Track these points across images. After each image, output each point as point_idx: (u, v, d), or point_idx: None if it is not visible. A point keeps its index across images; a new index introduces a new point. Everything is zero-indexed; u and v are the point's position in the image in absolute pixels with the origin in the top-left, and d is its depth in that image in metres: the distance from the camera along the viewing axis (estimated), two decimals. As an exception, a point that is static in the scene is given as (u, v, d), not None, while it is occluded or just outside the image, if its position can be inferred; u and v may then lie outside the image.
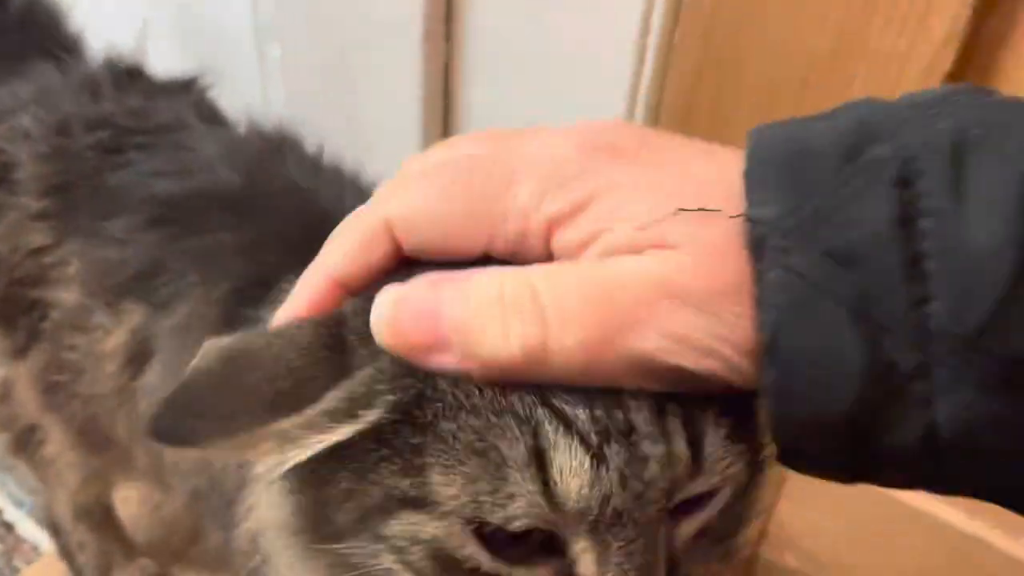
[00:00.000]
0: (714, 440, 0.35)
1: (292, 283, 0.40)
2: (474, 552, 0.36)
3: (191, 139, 0.70)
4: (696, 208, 0.33)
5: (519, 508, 0.34)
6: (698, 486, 0.36)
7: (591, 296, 0.32)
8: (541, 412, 0.34)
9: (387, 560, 0.38)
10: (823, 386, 0.31)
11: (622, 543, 0.35)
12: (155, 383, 0.65)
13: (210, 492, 0.65)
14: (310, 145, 0.72)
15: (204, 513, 0.69)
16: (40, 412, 0.80)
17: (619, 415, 0.34)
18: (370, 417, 0.35)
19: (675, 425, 0.35)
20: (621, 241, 0.33)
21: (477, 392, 0.35)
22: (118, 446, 0.75)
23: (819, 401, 0.31)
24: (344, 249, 0.38)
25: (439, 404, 0.35)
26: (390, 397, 0.35)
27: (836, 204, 0.31)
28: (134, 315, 0.66)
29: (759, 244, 0.31)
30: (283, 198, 0.66)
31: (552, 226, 0.34)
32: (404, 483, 0.36)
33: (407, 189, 0.37)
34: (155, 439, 0.35)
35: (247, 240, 0.63)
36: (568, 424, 0.34)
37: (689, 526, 0.38)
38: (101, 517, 0.97)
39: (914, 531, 0.85)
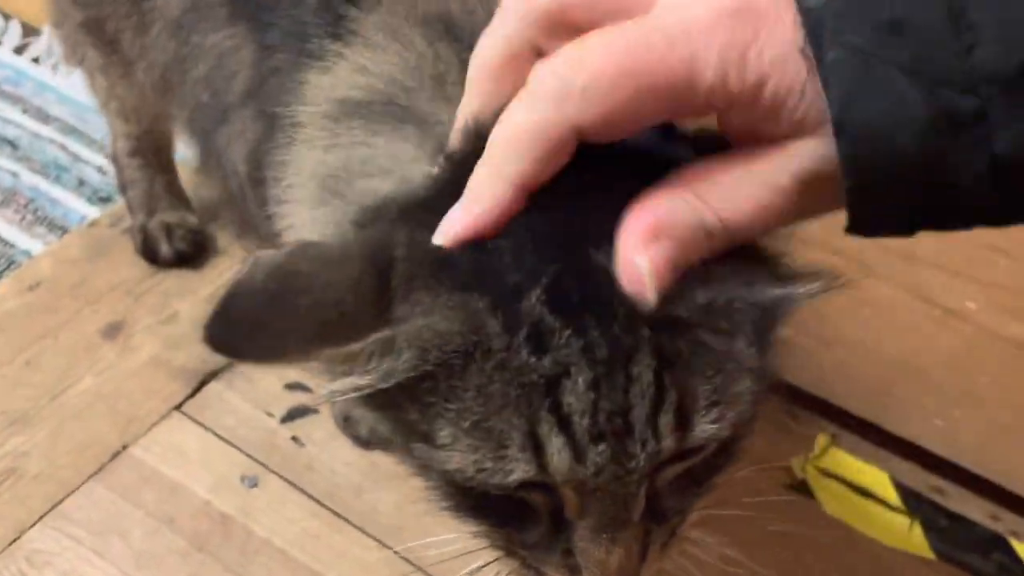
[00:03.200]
0: (704, 424, 0.40)
1: None
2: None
3: None
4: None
5: (516, 477, 0.41)
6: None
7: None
8: (542, 408, 0.39)
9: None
10: (893, 145, 0.35)
11: (604, 495, 0.41)
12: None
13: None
14: None
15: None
16: (74, 25, 0.83)
17: (618, 417, 0.39)
18: (398, 367, 0.40)
19: (667, 421, 0.40)
20: (784, 131, 0.37)
21: (486, 377, 0.39)
22: (130, 63, 0.77)
23: (890, 158, 0.35)
24: (533, 157, 0.38)
25: (452, 378, 0.40)
26: (415, 359, 0.40)
27: None
28: None
29: (817, 31, 0.35)
30: None
31: (732, 103, 0.37)
32: (421, 424, 0.42)
33: (588, 91, 0.37)
34: (209, 347, 0.38)
35: None
36: (564, 420, 0.39)
37: (672, 472, 0.43)
38: (155, 157, 0.98)
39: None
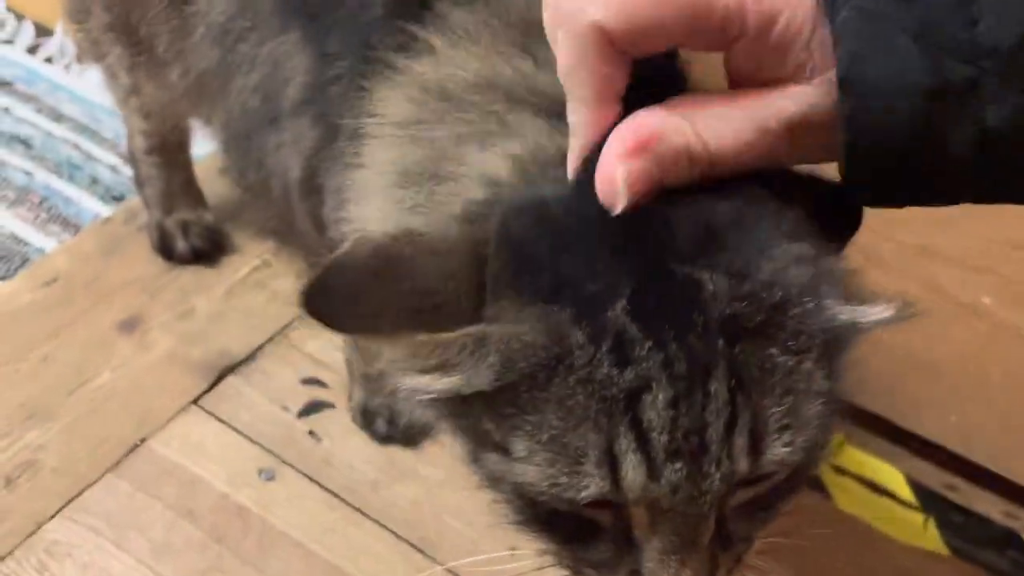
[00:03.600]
0: (776, 447, 0.40)
1: None
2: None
3: None
4: None
5: (589, 493, 0.40)
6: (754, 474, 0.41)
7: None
8: (622, 423, 0.39)
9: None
10: (891, 106, 0.37)
11: (675, 516, 0.41)
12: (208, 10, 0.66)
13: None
14: None
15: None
16: (100, 25, 0.83)
17: (694, 436, 0.39)
18: (482, 373, 0.40)
19: (742, 443, 0.40)
20: (785, 73, 0.39)
21: (568, 390, 0.39)
22: (164, 64, 0.76)
23: (887, 120, 0.37)
24: (589, 74, 0.40)
25: (533, 389, 0.40)
26: (500, 368, 0.40)
27: None
28: None
29: None
30: None
31: (743, 31, 0.38)
32: (496, 435, 0.42)
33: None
34: (305, 312, 0.40)
35: None
36: (642, 436, 0.39)
37: (741, 496, 0.43)
38: (172, 155, 0.98)
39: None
